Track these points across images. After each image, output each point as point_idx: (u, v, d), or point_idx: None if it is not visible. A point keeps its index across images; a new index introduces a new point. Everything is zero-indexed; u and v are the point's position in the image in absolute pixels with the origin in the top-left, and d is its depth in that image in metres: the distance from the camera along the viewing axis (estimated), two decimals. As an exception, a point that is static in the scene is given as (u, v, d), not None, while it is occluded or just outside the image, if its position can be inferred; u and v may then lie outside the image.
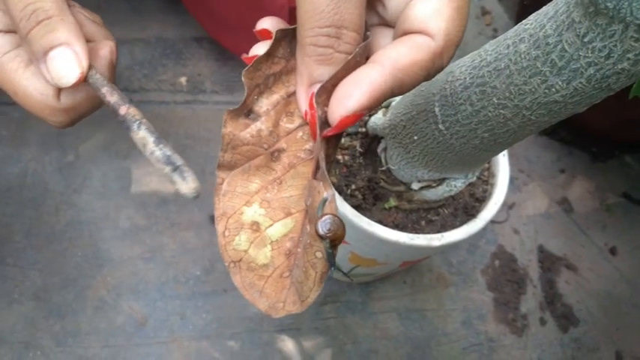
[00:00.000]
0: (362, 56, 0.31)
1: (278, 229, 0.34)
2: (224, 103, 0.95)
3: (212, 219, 0.87)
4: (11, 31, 0.32)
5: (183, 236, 0.85)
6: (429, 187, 0.55)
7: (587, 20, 0.30)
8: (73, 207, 0.85)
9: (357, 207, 0.56)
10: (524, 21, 0.36)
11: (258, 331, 0.81)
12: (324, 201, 0.29)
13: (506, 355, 0.86)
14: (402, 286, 0.88)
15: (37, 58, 0.30)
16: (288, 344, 0.81)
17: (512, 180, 1.00)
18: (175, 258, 0.84)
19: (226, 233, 0.33)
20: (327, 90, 0.30)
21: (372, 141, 0.60)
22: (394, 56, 0.30)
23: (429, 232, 0.56)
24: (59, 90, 0.32)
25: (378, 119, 0.56)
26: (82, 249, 0.83)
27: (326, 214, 0.29)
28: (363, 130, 0.60)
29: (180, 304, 0.81)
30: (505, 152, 0.60)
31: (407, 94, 0.51)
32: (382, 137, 0.57)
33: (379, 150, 0.58)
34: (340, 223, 0.29)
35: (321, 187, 0.30)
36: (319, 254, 0.30)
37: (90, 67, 0.32)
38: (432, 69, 0.31)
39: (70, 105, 0.33)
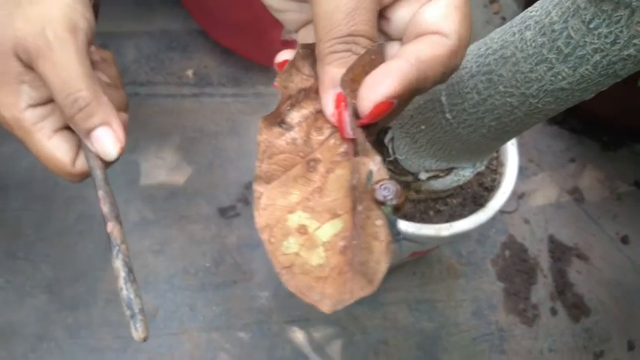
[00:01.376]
0: (377, 54, 0.32)
1: (327, 230, 0.33)
2: (231, 96, 0.95)
3: (220, 211, 0.87)
4: (39, 104, 0.37)
5: (191, 229, 0.86)
6: (436, 176, 0.54)
7: (593, 6, 0.29)
8: (82, 201, 0.85)
9: (364, 198, 0.56)
10: (530, 8, 0.36)
11: (268, 322, 0.81)
12: (371, 171, 0.29)
13: (517, 345, 0.86)
14: (411, 277, 0.88)
15: (82, 136, 0.37)
16: (297, 335, 0.81)
17: (522, 170, 0.99)
18: (184, 250, 0.84)
19: (272, 240, 0.33)
20: (347, 83, 0.31)
21: (379, 131, 0.59)
22: (416, 51, 0.31)
23: (437, 222, 0.56)
24: (74, 158, 0.38)
25: (384, 109, 0.56)
26: (93, 242, 0.83)
27: (379, 180, 0.29)
28: (370, 120, 0.60)
29: (190, 295, 0.82)
30: (514, 141, 0.60)
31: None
32: (389, 127, 0.57)
33: (386, 140, 0.58)
34: (398, 185, 0.28)
35: (364, 160, 0.30)
36: (379, 222, 0.29)
37: (99, 163, 0.38)
38: (449, 67, 0.32)
39: (81, 171, 0.39)
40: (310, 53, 0.34)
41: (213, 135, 0.92)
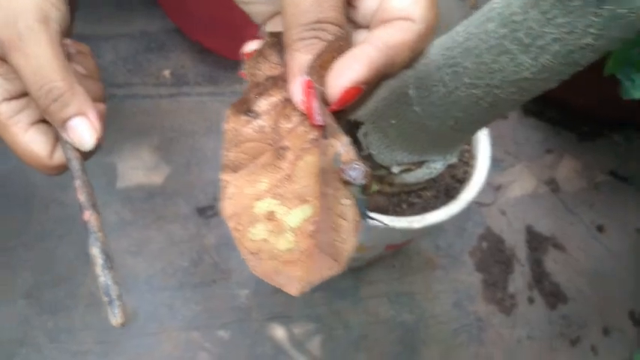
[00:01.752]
0: (345, 41, 0.32)
1: (297, 215, 0.32)
2: (208, 95, 0.95)
3: (198, 211, 0.87)
4: (14, 97, 0.37)
5: (169, 229, 0.85)
6: (409, 170, 0.55)
7: (551, -3, 0.30)
8: (61, 204, 0.85)
9: (339, 192, 0.56)
10: (493, 0, 0.37)
11: (248, 320, 0.82)
12: (339, 152, 0.29)
13: (495, 335, 0.87)
14: (391, 270, 0.88)
15: (57, 127, 0.37)
16: (278, 332, 0.81)
17: (499, 162, 1.00)
18: (163, 250, 0.84)
19: (239, 227, 0.32)
20: (315, 70, 0.31)
21: (352, 126, 0.60)
22: (384, 36, 0.31)
23: (410, 215, 0.57)
24: (52, 151, 0.38)
25: (357, 104, 0.56)
26: (72, 246, 0.83)
27: (346, 161, 0.29)
28: (344, 115, 0.60)
29: (169, 295, 0.82)
30: (486, 132, 0.60)
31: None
32: (362, 122, 0.57)
33: (360, 135, 0.58)
34: (366, 166, 0.29)
35: (332, 142, 0.30)
36: (346, 201, 0.29)
37: (76, 154, 0.37)
38: (417, 50, 0.32)
39: (58, 164, 0.38)
40: (278, 42, 0.34)
41: (190, 134, 0.92)
